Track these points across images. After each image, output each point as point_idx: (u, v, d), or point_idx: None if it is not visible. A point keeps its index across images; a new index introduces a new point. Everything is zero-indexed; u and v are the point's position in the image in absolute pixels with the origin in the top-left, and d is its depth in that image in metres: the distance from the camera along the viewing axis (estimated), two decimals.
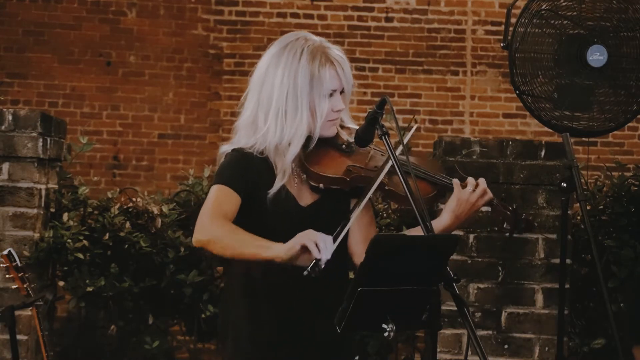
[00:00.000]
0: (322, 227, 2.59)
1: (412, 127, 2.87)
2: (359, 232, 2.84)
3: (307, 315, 2.76)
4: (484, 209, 4.48)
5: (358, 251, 2.83)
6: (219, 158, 2.83)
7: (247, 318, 2.77)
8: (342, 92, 2.79)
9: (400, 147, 2.71)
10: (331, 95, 2.76)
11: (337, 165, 2.79)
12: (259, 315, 2.76)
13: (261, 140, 2.74)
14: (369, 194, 2.71)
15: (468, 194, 2.80)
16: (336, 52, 2.79)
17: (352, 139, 2.82)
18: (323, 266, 2.45)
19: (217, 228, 2.60)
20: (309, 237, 2.46)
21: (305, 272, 2.45)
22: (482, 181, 2.84)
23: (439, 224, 2.81)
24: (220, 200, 2.66)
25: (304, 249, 2.46)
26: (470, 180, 2.83)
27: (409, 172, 2.64)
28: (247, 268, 2.77)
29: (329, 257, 2.45)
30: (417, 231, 2.77)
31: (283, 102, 2.72)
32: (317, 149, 2.78)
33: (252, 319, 2.77)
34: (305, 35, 2.81)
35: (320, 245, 2.44)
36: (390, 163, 2.68)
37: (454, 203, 2.80)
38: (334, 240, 2.54)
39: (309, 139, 2.77)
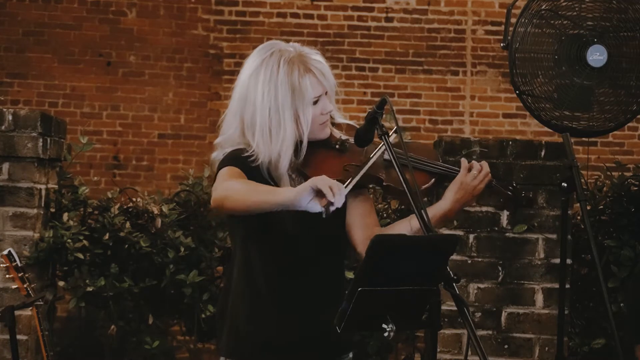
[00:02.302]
0: (323, 227, 2.58)
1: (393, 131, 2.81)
2: (358, 219, 2.85)
3: (306, 312, 2.76)
4: (485, 208, 4.53)
5: (358, 238, 2.83)
6: (213, 164, 2.83)
7: (246, 315, 2.77)
8: (326, 92, 2.78)
9: (394, 135, 2.69)
10: (316, 102, 2.75)
11: (333, 166, 2.78)
12: (258, 312, 2.76)
13: (254, 158, 2.73)
14: (368, 165, 2.67)
15: (471, 178, 2.81)
16: (313, 57, 2.76)
17: (345, 137, 2.82)
18: (332, 210, 2.42)
19: (232, 182, 2.60)
20: (323, 181, 2.43)
21: (323, 215, 2.43)
22: (485, 165, 2.84)
23: (439, 208, 2.81)
24: (232, 172, 2.67)
25: (317, 193, 2.43)
26: (475, 164, 2.83)
27: (407, 164, 2.62)
28: (247, 269, 2.77)
29: (340, 204, 2.42)
30: (412, 219, 2.75)
31: (266, 121, 2.71)
32: (311, 152, 2.78)
33: (250, 316, 2.77)
34: (280, 47, 2.76)
35: (334, 189, 2.41)
36: (382, 149, 2.66)
37: (457, 186, 2.81)
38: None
39: (301, 144, 2.76)
